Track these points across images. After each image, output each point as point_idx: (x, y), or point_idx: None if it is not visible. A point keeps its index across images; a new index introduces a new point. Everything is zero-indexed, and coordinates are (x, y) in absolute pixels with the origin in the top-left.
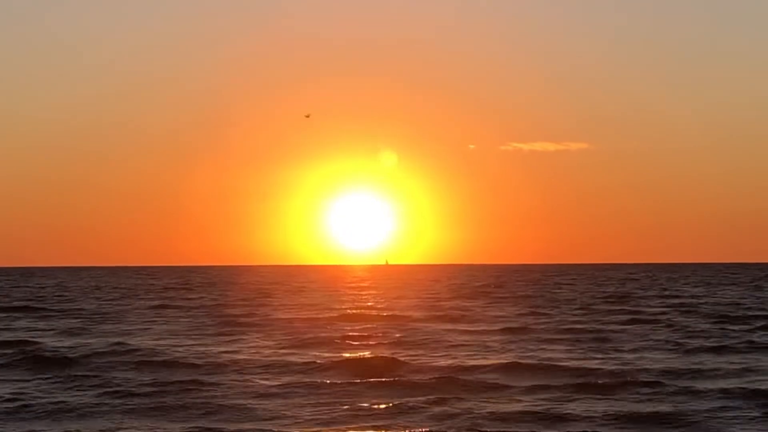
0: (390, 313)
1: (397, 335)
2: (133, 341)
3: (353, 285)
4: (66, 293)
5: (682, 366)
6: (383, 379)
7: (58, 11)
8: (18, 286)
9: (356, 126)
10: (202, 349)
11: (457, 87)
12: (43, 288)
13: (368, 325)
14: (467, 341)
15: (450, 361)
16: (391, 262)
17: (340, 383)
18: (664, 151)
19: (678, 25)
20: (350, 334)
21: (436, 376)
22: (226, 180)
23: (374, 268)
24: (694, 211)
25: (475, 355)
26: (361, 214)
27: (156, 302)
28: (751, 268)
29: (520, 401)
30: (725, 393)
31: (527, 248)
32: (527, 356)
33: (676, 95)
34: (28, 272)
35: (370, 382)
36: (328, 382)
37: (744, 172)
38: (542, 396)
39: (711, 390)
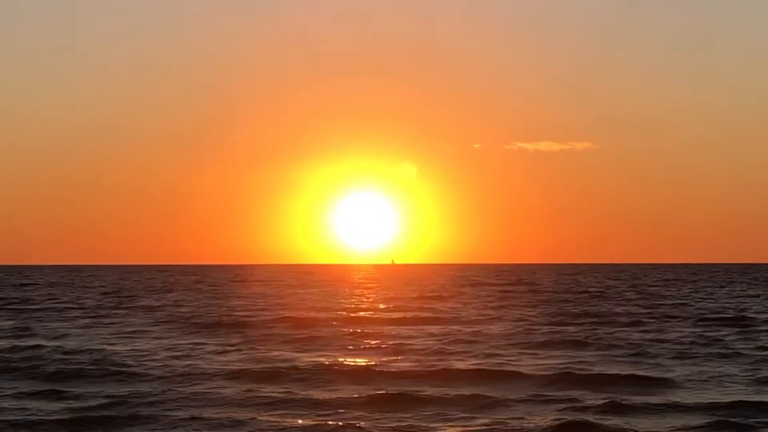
0: (371, 314)
1: (368, 340)
2: (72, 343)
3: (347, 284)
4: (43, 292)
5: (641, 373)
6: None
7: (63, 10)
8: (6, 285)
9: (360, 126)
10: (149, 354)
11: (461, 86)
12: (24, 286)
13: (341, 328)
14: (422, 344)
15: (405, 365)
16: (397, 262)
17: (265, 393)
18: (669, 151)
19: (684, 24)
20: (306, 337)
21: (383, 389)
22: (232, 179)
23: (380, 268)
24: (700, 211)
25: (423, 360)
26: (365, 214)
27: (139, 302)
28: (758, 269)
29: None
30: (682, 408)
31: (532, 248)
32: (486, 362)
33: (681, 94)
34: (27, 270)
35: (301, 394)
36: (261, 392)
37: (750, 171)
38: (477, 409)
39: (662, 405)
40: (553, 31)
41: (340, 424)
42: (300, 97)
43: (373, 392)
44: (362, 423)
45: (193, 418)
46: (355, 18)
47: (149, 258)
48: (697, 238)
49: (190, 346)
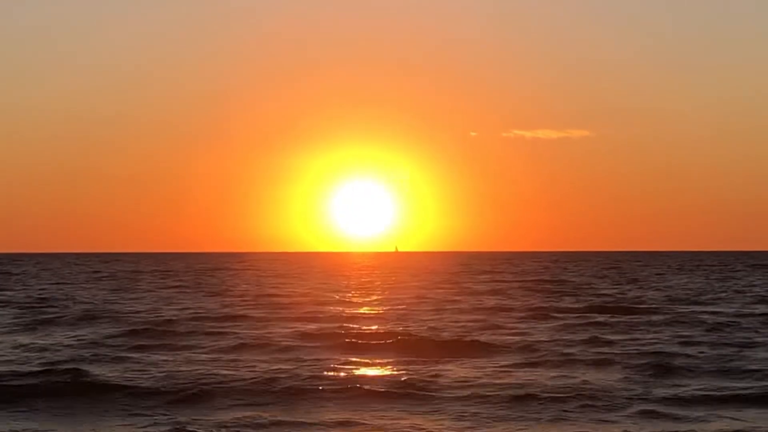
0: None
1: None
2: None
3: (299, 272)
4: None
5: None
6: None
7: (66, 4)
8: None
9: (358, 114)
10: None
11: (458, 74)
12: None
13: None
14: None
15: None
16: (400, 249)
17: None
18: (665, 139)
19: (680, 13)
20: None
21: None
22: (230, 167)
23: (382, 255)
24: (696, 199)
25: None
26: (364, 202)
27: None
28: (755, 257)
29: None
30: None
31: (529, 235)
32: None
33: (678, 83)
34: (21, 258)
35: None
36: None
37: (748, 159)
38: None
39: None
40: (550, 19)
41: None
42: (298, 85)
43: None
44: None
45: None
46: (353, 7)
47: (147, 246)
48: (694, 225)
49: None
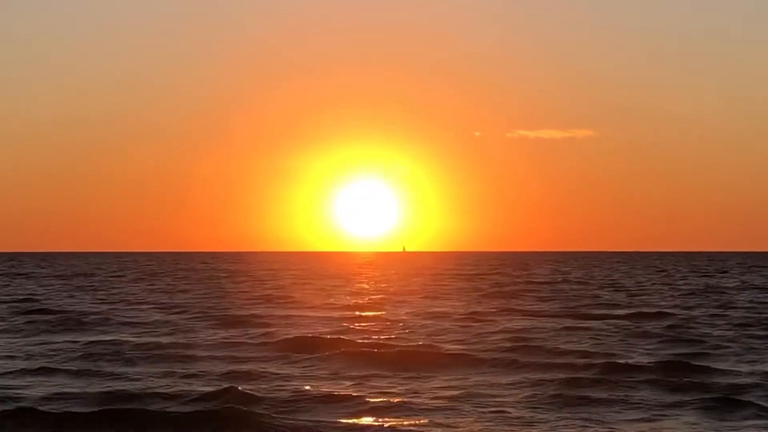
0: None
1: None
2: None
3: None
4: None
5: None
6: None
7: (70, 4)
8: None
9: (362, 114)
10: None
11: (463, 74)
12: None
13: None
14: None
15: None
16: (408, 249)
17: None
18: (670, 139)
19: (686, 13)
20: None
21: None
22: (233, 167)
23: (389, 255)
24: (700, 200)
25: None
26: (368, 202)
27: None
28: (756, 257)
29: None
30: None
31: (533, 236)
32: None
33: (683, 83)
34: (16, 257)
35: None
36: None
37: (752, 160)
38: None
39: None
40: (554, 19)
41: None
42: (302, 85)
43: None
44: None
45: None
46: (356, 6)
47: (149, 246)
48: (699, 226)
49: None
